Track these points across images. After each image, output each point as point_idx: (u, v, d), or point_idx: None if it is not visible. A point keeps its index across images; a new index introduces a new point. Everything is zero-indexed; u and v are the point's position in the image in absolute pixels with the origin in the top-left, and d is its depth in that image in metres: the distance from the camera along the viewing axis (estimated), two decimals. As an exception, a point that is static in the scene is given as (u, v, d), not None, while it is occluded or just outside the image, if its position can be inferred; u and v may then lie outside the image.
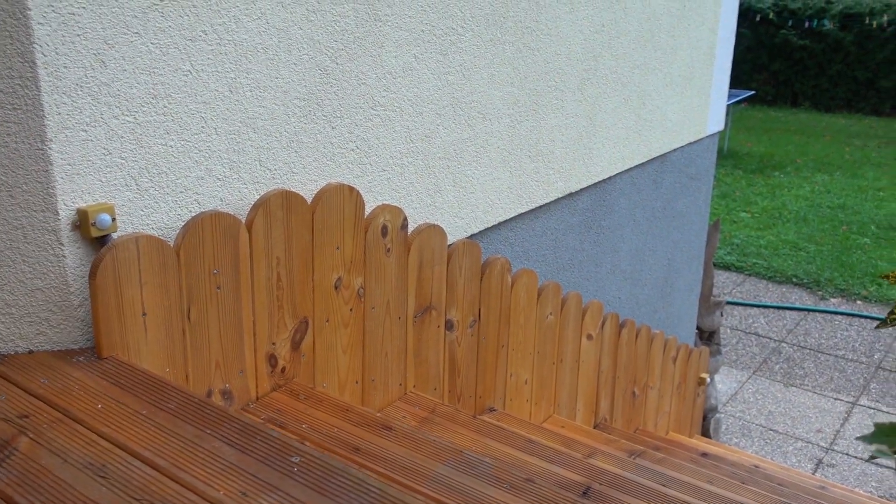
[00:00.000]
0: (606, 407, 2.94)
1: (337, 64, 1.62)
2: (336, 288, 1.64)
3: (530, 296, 2.31)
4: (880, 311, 5.91)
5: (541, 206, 2.42)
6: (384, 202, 1.81)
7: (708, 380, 3.82)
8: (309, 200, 1.58)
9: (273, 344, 1.54)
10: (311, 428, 1.44)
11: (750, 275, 6.64)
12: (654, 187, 3.09)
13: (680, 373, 3.56)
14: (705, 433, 4.03)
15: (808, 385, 4.90)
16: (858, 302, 6.11)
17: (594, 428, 2.87)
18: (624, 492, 1.64)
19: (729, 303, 6.02)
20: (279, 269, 1.51)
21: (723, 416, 4.48)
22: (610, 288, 2.99)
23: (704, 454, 3.10)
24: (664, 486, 1.95)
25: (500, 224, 2.26)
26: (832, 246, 7.16)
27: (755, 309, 6.00)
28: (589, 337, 2.70)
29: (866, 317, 5.83)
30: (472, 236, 2.15)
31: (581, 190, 2.61)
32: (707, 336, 4.03)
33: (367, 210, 1.73)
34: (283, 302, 1.53)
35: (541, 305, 2.37)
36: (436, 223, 1.94)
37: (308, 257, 1.57)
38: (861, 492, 3.74)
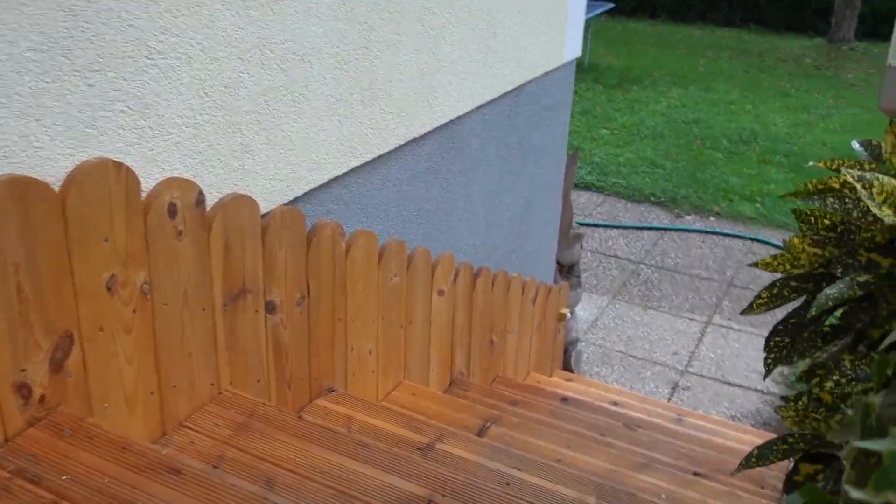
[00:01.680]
0: (463, 360, 2.77)
1: (89, 2, 1.25)
2: (109, 289, 1.32)
3: (370, 259, 2.05)
4: (732, 227, 6.07)
5: (379, 157, 2.14)
6: (174, 175, 1.47)
7: (568, 315, 3.74)
8: (59, 184, 1.23)
9: (23, 371, 1.21)
10: (74, 479, 1.14)
11: (610, 194, 6.65)
12: (508, 123, 2.86)
13: (539, 312, 3.44)
14: (567, 367, 3.98)
15: (664, 307, 4.96)
16: (711, 218, 6.24)
17: (451, 385, 2.69)
18: (466, 500, 1.45)
19: (589, 225, 6.00)
20: (20, 278, 1.17)
21: (584, 344, 4.46)
22: (463, 235, 2.77)
23: (564, 399, 3.00)
24: (517, 469, 1.79)
25: (330, 182, 1.96)
26: (687, 162, 7.27)
27: (615, 230, 6.02)
28: (440, 293, 2.48)
29: (719, 233, 5.97)
30: (295, 200, 1.85)
31: (426, 134, 2.33)
32: (567, 269, 3.94)
33: (150, 187, 1.40)
34: (32, 317, 1.20)
35: (383, 268, 2.12)
36: (244, 193, 1.62)
37: (63, 257, 1.23)
38: (715, 416, 3.82)
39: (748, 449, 3.02)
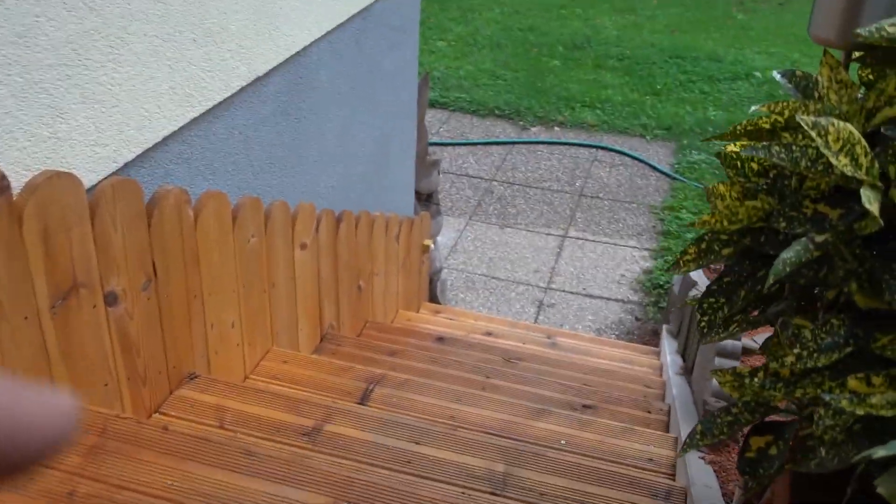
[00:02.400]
0: (332, 313, 2.57)
1: None
2: None
3: (223, 224, 1.79)
4: (576, 136, 6.11)
5: (221, 103, 1.84)
6: (-39, 155, 1.14)
7: (432, 246, 3.61)
8: None
9: None
10: None
11: (454, 110, 6.49)
12: (357, 50, 2.60)
13: (404, 249, 3.28)
14: (433, 297, 3.88)
15: (521, 224, 4.94)
16: (556, 128, 6.25)
17: (322, 341, 2.50)
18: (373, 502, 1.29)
19: (438, 144, 5.84)
20: None
21: (447, 271, 4.37)
22: (320, 178, 2.52)
23: (440, 338, 2.89)
24: (416, 443, 1.64)
25: (167, 140, 1.66)
26: (527, 71, 7.22)
27: (464, 148, 5.90)
28: (303, 246, 2.25)
29: (565, 143, 5.99)
30: (127, 167, 1.54)
31: (271, 71, 2.04)
32: (426, 198, 3.77)
33: (-71, 177, 1.07)
34: None
35: (239, 231, 1.86)
36: (61, 169, 1.31)
37: None
38: (583, 333, 3.86)
39: (625, 368, 3.06)
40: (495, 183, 5.41)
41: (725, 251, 1.08)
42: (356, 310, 2.79)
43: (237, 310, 1.93)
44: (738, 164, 1.09)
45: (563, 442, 1.90)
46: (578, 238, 4.80)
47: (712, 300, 1.08)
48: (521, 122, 6.32)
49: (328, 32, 2.35)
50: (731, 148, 1.10)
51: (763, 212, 1.01)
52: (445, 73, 7.10)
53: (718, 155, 1.11)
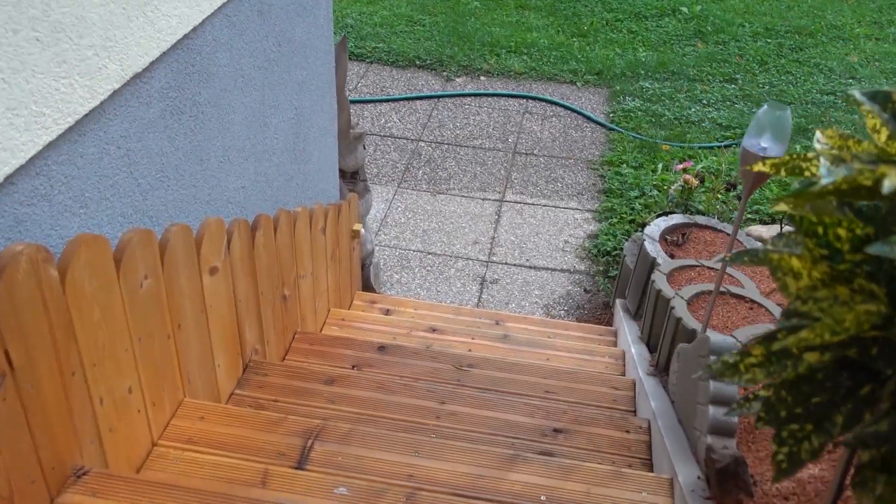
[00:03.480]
0: (255, 335, 2.20)
1: None
2: None
3: (101, 274, 1.38)
4: (504, 86, 5.74)
5: (86, 116, 1.41)
6: None
7: (362, 230, 3.23)
8: None
9: None
10: None
11: (372, 62, 6.02)
12: (261, 22, 2.16)
13: (332, 241, 2.90)
14: (366, 285, 3.52)
15: (454, 189, 4.59)
16: (482, 78, 5.87)
17: (245, 371, 2.13)
18: None
19: (357, 102, 5.39)
20: None
21: (379, 248, 4.00)
22: (228, 180, 2.11)
23: (381, 347, 2.55)
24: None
25: (13, 177, 1.23)
26: (446, 15, 6.76)
27: (385, 105, 5.46)
28: (213, 271, 1.86)
29: (493, 94, 5.62)
30: (-50, 229, 1.12)
31: (152, 64, 1.61)
32: (351, 176, 3.38)
33: None
34: None
35: (126, 276, 1.46)
36: None
37: None
38: (532, 316, 3.59)
39: (586, 362, 2.78)
40: (422, 144, 5.03)
41: (811, 357, 0.77)
42: (282, 323, 2.42)
43: (134, 370, 1.55)
44: (820, 230, 0.77)
45: (543, 498, 1.60)
46: (516, 202, 4.48)
47: (795, 428, 0.77)
48: (445, 73, 5.90)
49: (223, 5, 1.91)
50: (809, 216, 0.77)
51: (879, 317, 0.70)
52: (359, 21, 6.58)
53: (793, 220, 0.78)
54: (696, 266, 2.87)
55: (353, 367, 2.44)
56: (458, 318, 3.23)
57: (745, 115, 5.34)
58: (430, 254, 4.03)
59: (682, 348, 2.11)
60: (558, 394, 2.33)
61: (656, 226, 3.18)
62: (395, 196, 4.48)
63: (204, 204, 1.98)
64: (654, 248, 3.01)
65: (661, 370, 2.42)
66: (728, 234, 3.16)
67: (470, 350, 2.78)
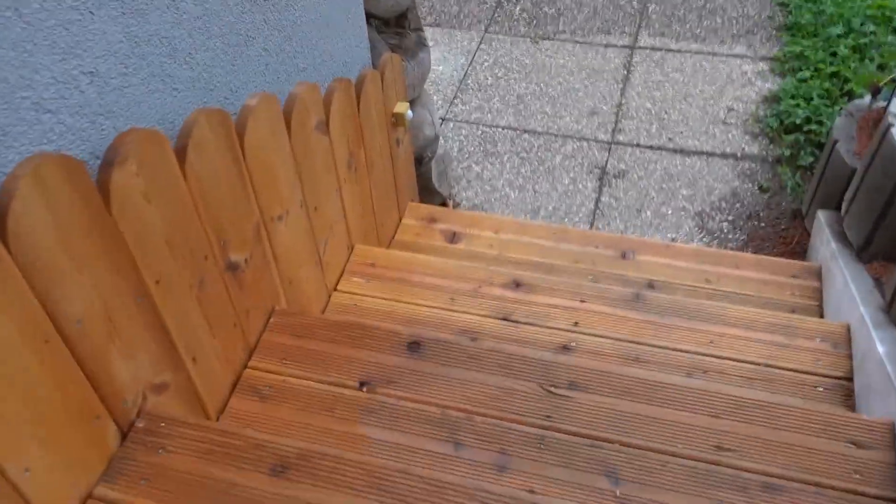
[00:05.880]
0: (147, 370, 1.15)
1: None
2: None
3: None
4: None
5: None
6: None
7: (409, 112, 2.06)
8: None
9: None
10: None
11: None
12: None
13: (342, 140, 1.75)
14: (426, 189, 2.39)
15: (565, 32, 3.26)
16: None
17: (123, 440, 1.10)
18: None
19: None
20: None
21: (454, 127, 2.82)
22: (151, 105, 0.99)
23: (415, 344, 1.46)
24: None
25: None
26: None
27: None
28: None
29: None
30: None
31: None
32: (395, 23, 2.16)
33: None
34: None
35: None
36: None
37: None
38: (686, 245, 2.37)
39: (781, 360, 1.53)
40: (523, -32, 3.65)
41: None
42: (233, 311, 1.35)
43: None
44: None
45: None
46: (655, 48, 3.12)
47: None
48: None
49: None
50: None
51: None
52: None
53: None
54: None
55: (361, 384, 1.37)
56: (562, 247, 2.08)
57: None
58: (526, 132, 2.81)
59: None
60: (742, 456, 1.19)
61: (908, 95, 1.84)
62: (480, 46, 3.21)
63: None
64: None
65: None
66: None
67: (576, 325, 1.64)
